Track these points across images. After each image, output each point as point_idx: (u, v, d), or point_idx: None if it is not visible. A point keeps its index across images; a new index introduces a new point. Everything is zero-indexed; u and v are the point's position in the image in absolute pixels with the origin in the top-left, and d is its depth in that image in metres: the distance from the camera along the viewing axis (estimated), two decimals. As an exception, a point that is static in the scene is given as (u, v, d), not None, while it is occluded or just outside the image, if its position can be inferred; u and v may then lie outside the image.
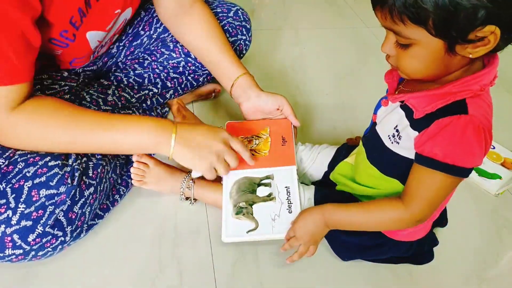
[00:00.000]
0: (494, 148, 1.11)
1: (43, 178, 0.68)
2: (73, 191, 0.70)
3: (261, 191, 0.81)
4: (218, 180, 0.84)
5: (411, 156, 0.66)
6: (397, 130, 0.67)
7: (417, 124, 0.63)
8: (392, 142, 0.68)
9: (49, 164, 0.69)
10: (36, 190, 0.67)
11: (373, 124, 0.75)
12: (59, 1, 0.69)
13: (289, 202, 0.79)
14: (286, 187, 0.81)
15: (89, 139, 0.72)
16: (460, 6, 0.51)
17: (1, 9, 0.59)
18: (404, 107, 0.66)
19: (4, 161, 0.69)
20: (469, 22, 0.52)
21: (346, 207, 0.72)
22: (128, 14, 0.88)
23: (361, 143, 0.79)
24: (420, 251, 0.81)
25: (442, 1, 0.51)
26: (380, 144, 0.71)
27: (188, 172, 0.87)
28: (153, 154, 0.95)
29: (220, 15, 1.03)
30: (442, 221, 0.87)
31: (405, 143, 0.66)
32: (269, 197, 0.80)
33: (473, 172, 0.97)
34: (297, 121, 0.92)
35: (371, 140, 0.75)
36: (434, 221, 0.79)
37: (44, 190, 0.68)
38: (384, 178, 0.73)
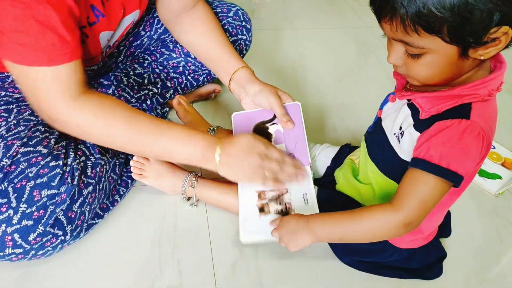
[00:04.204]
0: (494, 148, 1.11)
1: (44, 179, 0.68)
2: (73, 190, 0.70)
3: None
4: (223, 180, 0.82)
5: (409, 159, 0.65)
6: (400, 128, 0.66)
7: (421, 125, 0.62)
8: (396, 142, 0.67)
9: (50, 164, 0.70)
10: (38, 190, 0.68)
11: (378, 119, 0.74)
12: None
13: (304, 195, 0.79)
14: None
15: (145, 142, 0.72)
16: (476, 10, 0.50)
17: None
18: (410, 105, 0.65)
19: (7, 160, 0.69)
20: (484, 25, 0.51)
21: (332, 215, 0.67)
22: (136, 16, 0.88)
23: (363, 138, 0.78)
24: (426, 261, 0.79)
25: (458, 8, 0.50)
26: (384, 140, 0.70)
27: (190, 171, 0.87)
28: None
29: (220, 15, 1.03)
30: (445, 231, 0.87)
31: (406, 143, 0.65)
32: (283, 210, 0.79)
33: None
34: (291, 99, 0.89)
35: (374, 135, 0.74)
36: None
37: (46, 190, 0.68)
38: (383, 176, 0.72)
